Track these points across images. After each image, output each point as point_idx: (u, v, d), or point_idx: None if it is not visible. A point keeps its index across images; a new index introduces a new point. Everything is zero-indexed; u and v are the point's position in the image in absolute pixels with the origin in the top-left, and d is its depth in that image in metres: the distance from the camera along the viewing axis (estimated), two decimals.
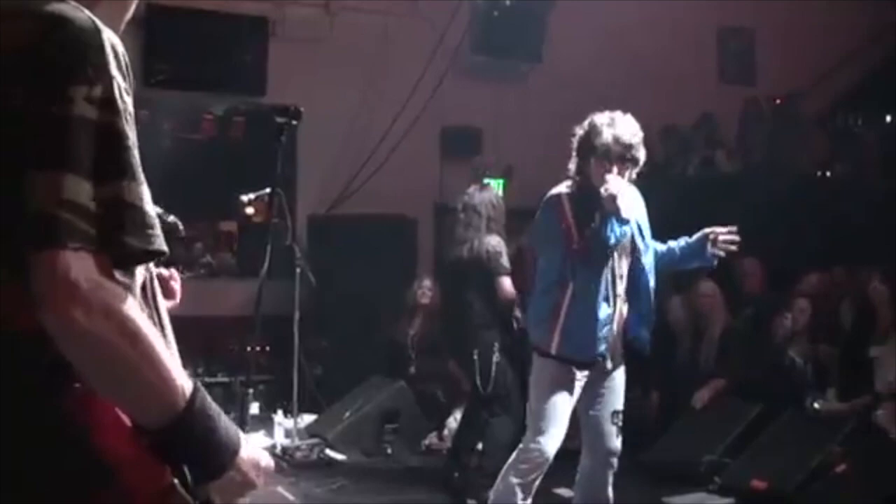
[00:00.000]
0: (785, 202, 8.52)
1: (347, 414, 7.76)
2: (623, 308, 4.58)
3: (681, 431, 7.07)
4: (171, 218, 2.08)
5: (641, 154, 4.43)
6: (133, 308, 1.43)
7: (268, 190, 5.86)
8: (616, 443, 4.62)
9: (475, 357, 6.24)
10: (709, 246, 4.61)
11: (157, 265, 1.64)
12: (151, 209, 1.47)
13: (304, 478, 6.77)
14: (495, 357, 6.23)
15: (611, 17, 9.54)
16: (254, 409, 7.77)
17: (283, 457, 7.15)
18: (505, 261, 6.23)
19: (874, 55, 10.69)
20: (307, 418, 8.02)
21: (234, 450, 1.55)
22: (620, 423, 4.62)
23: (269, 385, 8.62)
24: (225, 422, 1.55)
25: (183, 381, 1.48)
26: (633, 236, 4.54)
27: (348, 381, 8.32)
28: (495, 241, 6.29)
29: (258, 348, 8.08)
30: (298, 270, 7.52)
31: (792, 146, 9.90)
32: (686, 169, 10.14)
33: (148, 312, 1.62)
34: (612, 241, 4.37)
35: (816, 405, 6.40)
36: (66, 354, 1.40)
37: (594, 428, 4.63)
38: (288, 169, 8.64)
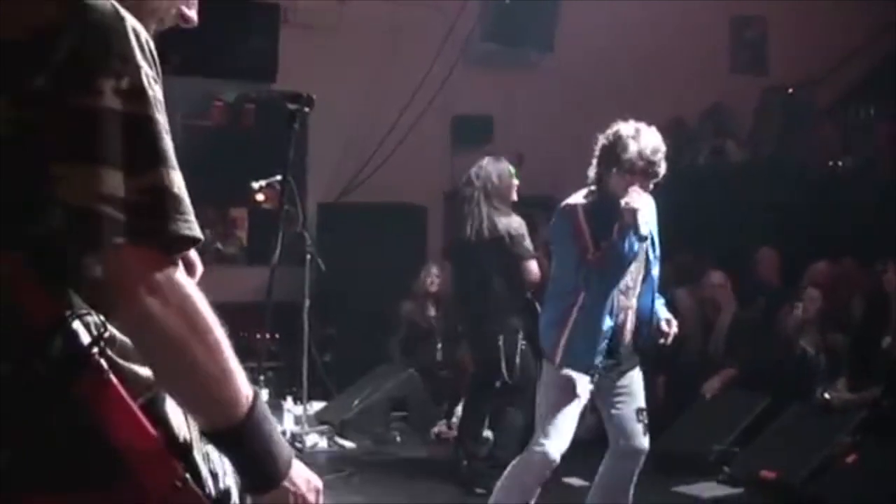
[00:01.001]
0: (796, 193, 8.50)
1: (357, 401, 7.77)
2: (631, 314, 4.56)
3: (690, 421, 7.07)
4: None
5: (663, 168, 4.40)
6: (203, 303, 1.44)
7: (278, 177, 5.88)
8: (644, 441, 4.60)
9: (500, 343, 6.13)
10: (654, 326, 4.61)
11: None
12: (186, 195, 1.46)
13: (313, 465, 6.77)
14: (520, 344, 6.16)
15: (622, 6, 9.51)
16: (263, 396, 7.78)
17: (292, 444, 7.17)
18: (528, 243, 6.12)
19: (887, 46, 10.62)
20: (316, 405, 8.03)
21: (289, 460, 1.55)
22: (646, 421, 4.61)
23: (279, 372, 8.63)
24: (279, 433, 1.55)
25: (245, 384, 1.48)
26: (646, 248, 4.52)
27: (358, 368, 8.33)
28: (517, 223, 6.19)
29: (268, 335, 8.09)
30: (308, 258, 7.52)
31: (803, 137, 9.87)
32: (696, 159, 10.11)
33: None
34: (629, 254, 4.34)
35: (826, 395, 6.38)
36: (140, 348, 1.41)
37: (620, 428, 4.61)
38: (298, 156, 8.64)
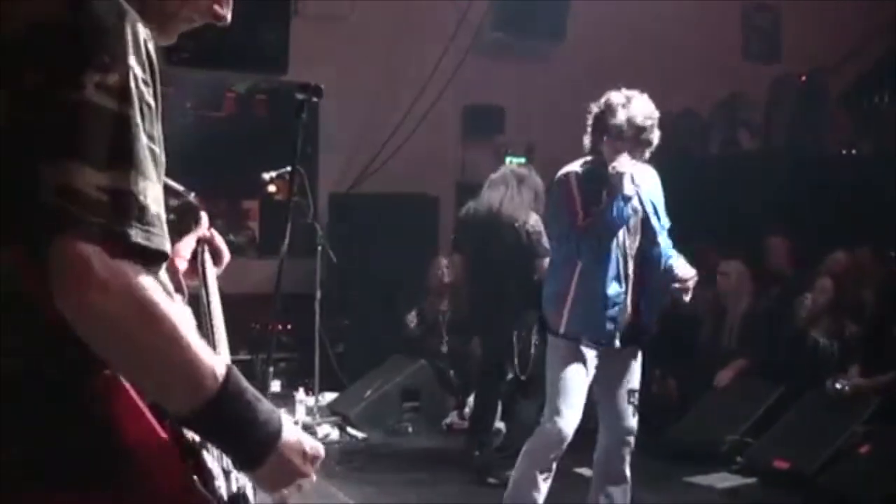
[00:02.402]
0: (809, 181, 8.46)
1: (368, 392, 7.78)
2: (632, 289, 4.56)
3: (703, 411, 7.06)
4: (192, 196, 2.08)
5: (655, 136, 4.42)
6: (151, 289, 1.39)
7: (289, 168, 5.88)
8: (632, 422, 4.62)
9: (514, 339, 6.18)
10: (673, 284, 4.55)
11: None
12: (157, 208, 1.43)
13: (325, 456, 6.78)
14: (535, 340, 6.16)
15: None
16: (275, 386, 7.81)
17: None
18: (545, 241, 6.14)
19: None
20: (328, 396, 8.05)
21: (274, 435, 1.49)
22: (637, 403, 4.61)
23: (291, 363, 8.65)
24: (265, 406, 1.50)
25: (214, 363, 1.43)
26: (646, 216, 4.53)
27: (369, 359, 8.33)
28: (534, 220, 6.22)
29: (280, 326, 8.11)
30: (319, 248, 7.53)
31: (817, 124, 9.82)
32: (708, 149, 10.08)
33: (199, 283, 1.61)
34: (617, 219, 4.37)
35: (838, 385, 6.36)
36: (86, 340, 1.38)
37: (610, 408, 4.63)
38: (310, 147, 8.65)
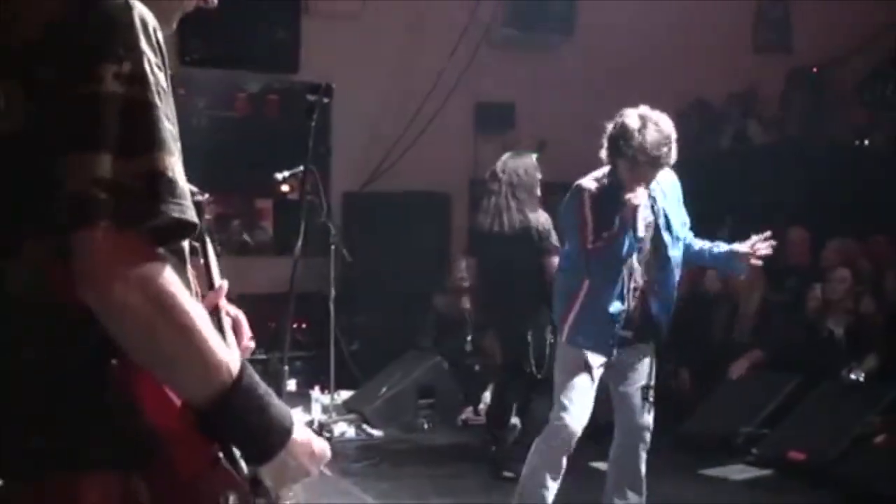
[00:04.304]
0: (822, 173, 8.44)
1: (384, 390, 7.81)
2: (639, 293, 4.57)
3: (717, 403, 7.06)
4: (198, 198, 2.09)
5: (672, 157, 4.35)
6: (171, 282, 1.43)
7: (302, 167, 5.90)
8: (647, 418, 4.62)
9: (528, 338, 6.19)
10: (737, 259, 4.57)
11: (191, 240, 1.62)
12: (184, 182, 1.47)
13: (341, 453, 6.83)
14: (549, 338, 6.16)
15: None
16: (291, 385, 7.84)
17: (321, 433, 7.21)
18: (554, 238, 6.11)
19: None
20: (344, 394, 8.07)
21: (285, 432, 1.53)
22: (651, 399, 4.62)
23: (306, 361, 8.68)
24: (277, 403, 1.54)
25: (229, 358, 1.48)
26: (658, 231, 4.51)
27: (384, 356, 8.36)
28: (544, 218, 6.22)
29: (295, 325, 8.13)
30: (333, 247, 7.55)
31: (830, 116, 9.79)
32: (719, 142, 10.06)
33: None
34: (624, 253, 4.37)
35: (853, 376, 6.36)
36: (108, 330, 1.41)
37: (625, 404, 4.64)
38: (322, 146, 8.67)
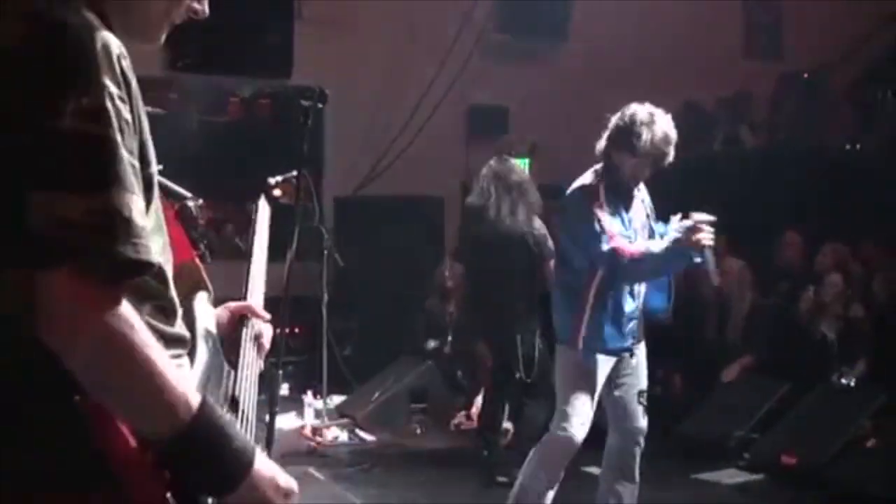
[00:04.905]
0: (813, 177, 8.46)
1: (376, 394, 7.80)
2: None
3: (710, 408, 7.07)
4: (191, 204, 2.09)
5: (671, 156, 4.37)
6: (130, 323, 1.43)
7: (295, 172, 5.90)
8: (643, 422, 4.63)
9: (518, 343, 6.19)
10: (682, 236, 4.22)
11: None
12: (141, 220, 1.45)
13: (334, 458, 6.83)
14: (538, 343, 6.19)
15: None
16: (284, 390, 7.83)
17: (313, 437, 7.22)
18: (551, 244, 6.09)
19: None
20: (336, 399, 8.07)
21: (246, 464, 1.53)
22: (646, 403, 4.62)
23: (299, 366, 8.66)
24: (238, 436, 1.54)
25: (188, 393, 1.48)
26: (652, 231, 4.53)
27: (377, 361, 8.36)
28: (538, 224, 6.24)
29: (287, 330, 8.10)
30: (325, 252, 7.55)
31: (820, 120, 9.83)
32: (710, 146, 10.08)
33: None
34: (663, 272, 4.47)
35: (844, 380, 6.38)
36: (67, 366, 1.41)
37: (620, 408, 4.63)
38: (314, 150, 8.66)
